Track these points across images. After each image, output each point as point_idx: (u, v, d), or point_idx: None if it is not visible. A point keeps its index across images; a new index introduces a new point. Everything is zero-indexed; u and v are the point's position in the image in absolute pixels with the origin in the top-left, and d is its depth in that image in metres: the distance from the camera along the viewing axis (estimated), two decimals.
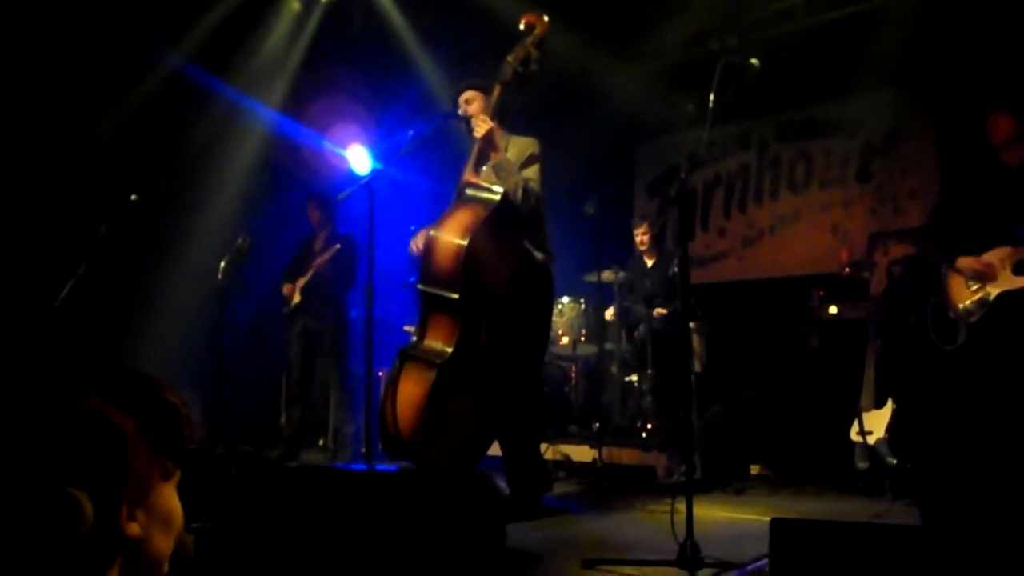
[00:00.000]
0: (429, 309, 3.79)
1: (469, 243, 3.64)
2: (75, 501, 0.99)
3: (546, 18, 3.89)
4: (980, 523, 3.08)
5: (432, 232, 3.78)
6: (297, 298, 5.97)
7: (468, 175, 3.92)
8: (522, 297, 3.86)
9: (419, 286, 3.80)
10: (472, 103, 4.01)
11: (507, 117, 3.99)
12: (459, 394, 3.64)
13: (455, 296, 3.64)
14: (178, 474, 1.15)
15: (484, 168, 3.97)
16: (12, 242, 5.49)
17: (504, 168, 3.85)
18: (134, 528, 1.05)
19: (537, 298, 4.03)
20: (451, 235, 3.71)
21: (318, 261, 5.88)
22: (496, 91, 3.90)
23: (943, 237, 4.19)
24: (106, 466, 1.03)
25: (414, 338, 3.81)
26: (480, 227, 3.68)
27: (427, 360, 3.64)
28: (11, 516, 1.00)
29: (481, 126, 3.85)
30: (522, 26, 3.92)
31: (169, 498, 1.12)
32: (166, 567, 1.12)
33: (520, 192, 3.79)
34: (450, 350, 3.63)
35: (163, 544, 1.09)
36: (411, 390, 3.62)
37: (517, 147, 3.97)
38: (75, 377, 1.10)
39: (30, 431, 1.04)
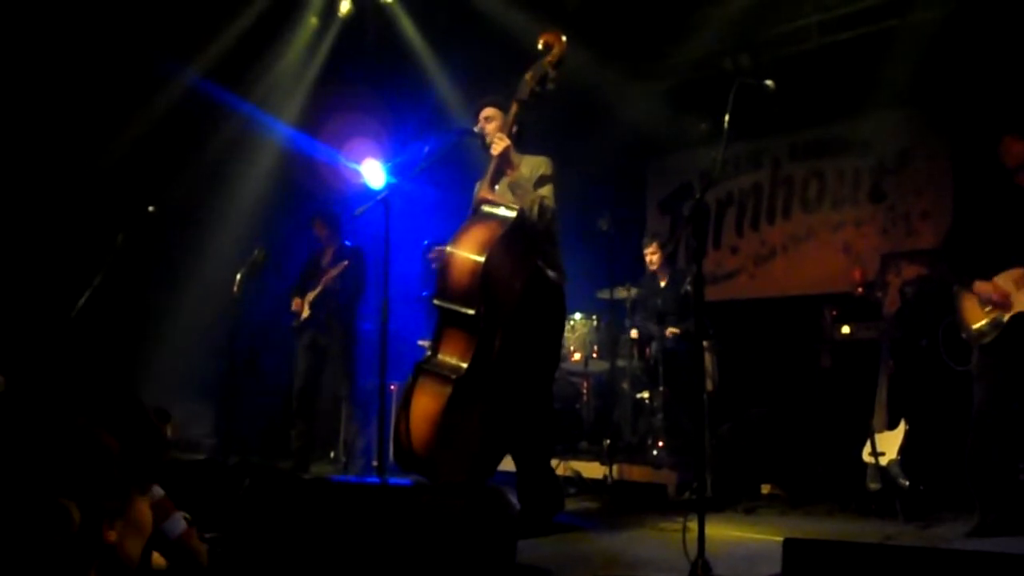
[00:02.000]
0: (445, 324, 3.81)
1: (486, 259, 3.66)
2: (65, 509, 1.14)
3: (564, 38, 3.93)
4: None
5: (448, 248, 3.80)
6: (306, 312, 6.00)
7: (484, 192, 3.94)
8: (534, 314, 3.88)
9: (435, 301, 3.83)
10: (492, 121, 4.03)
11: (522, 135, 4.01)
12: (472, 409, 3.65)
13: (471, 312, 3.66)
14: (153, 487, 1.32)
15: (499, 186, 4.00)
16: (30, 252, 5.55)
17: (520, 186, 3.88)
18: (112, 535, 1.19)
19: (549, 315, 4.04)
20: (468, 251, 3.74)
21: (327, 276, 5.91)
22: (513, 109, 3.94)
23: (957, 259, 4.17)
24: (92, 480, 1.18)
25: (429, 353, 3.82)
26: (496, 244, 3.71)
27: (443, 375, 3.66)
28: (7, 521, 1.12)
29: (498, 144, 3.88)
30: (540, 45, 3.96)
31: (143, 510, 1.27)
32: (134, 569, 1.27)
33: (536, 209, 3.81)
34: (465, 365, 3.65)
35: (135, 550, 1.24)
36: (426, 404, 3.63)
37: (530, 166, 3.99)
38: (69, 397, 1.27)
39: (27, 447, 1.17)
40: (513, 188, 3.91)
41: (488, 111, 4.07)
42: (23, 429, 1.19)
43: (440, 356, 3.77)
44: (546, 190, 3.91)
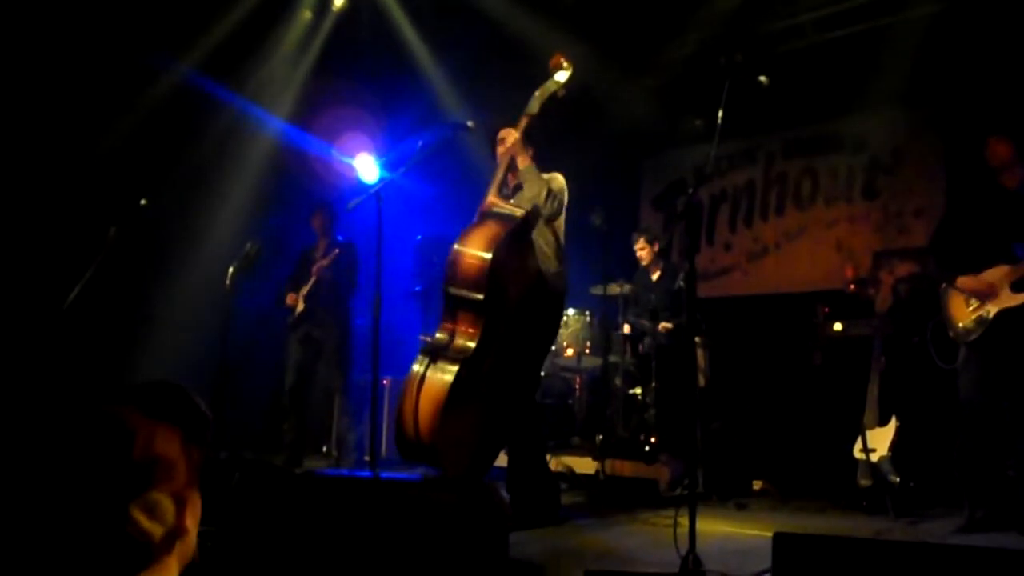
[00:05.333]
0: (453, 309, 3.88)
1: (493, 255, 3.76)
2: (158, 502, 1.20)
3: (571, 62, 4.14)
4: None
5: (456, 246, 3.88)
6: (300, 306, 6.00)
7: (492, 199, 4.04)
8: (534, 314, 3.96)
9: (446, 287, 3.89)
10: (508, 137, 4.16)
11: (536, 151, 4.13)
12: (473, 400, 3.69)
13: (480, 297, 3.75)
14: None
15: (514, 199, 4.11)
16: (21, 245, 5.52)
17: (531, 172, 4.02)
18: (189, 521, 1.24)
19: (547, 316, 4.12)
20: (475, 248, 3.83)
21: (317, 267, 5.92)
22: (523, 123, 4.09)
23: (943, 256, 4.21)
24: (170, 473, 1.23)
25: (437, 335, 3.85)
26: (502, 241, 3.80)
27: (449, 356, 3.72)
28: (104, 521, 1.16)
29: (508, 138, 4.07)
30: (551, 66, 4.14)
31: (198, 497, 1.30)
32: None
33: (544, 193, 3.95)
34: (473, 345, 3.72)
35: (195, 535, 1.28)
36: (432, 387, 3.67)
37: (536, 172, 4.07)
38: (114, 392, 1.27)
39: (103, 450, 1.21)
40: (523, 176, 4.04)
41: (505, 131, 4.21)
42: (87, 433, 1.21)
43: (447, 338, 3.82)
44: (555, 186, 4.06)
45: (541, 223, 4.03)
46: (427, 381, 3.70)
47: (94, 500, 1.16)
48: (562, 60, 4.16)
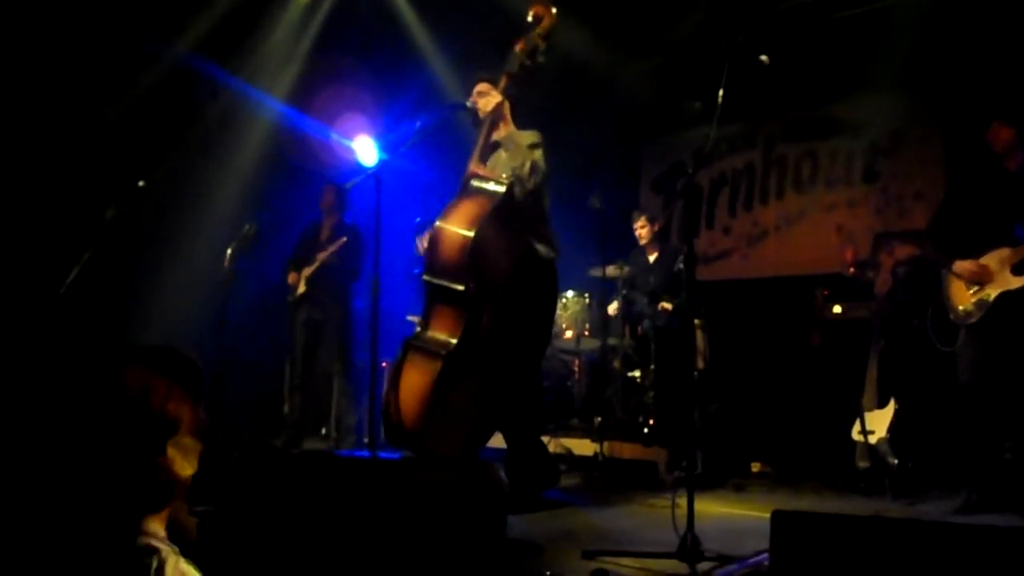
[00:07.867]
0: (434, 300, 3.80)
1: (475, 235, 3.64)
2: (189, 444, 1.32)
3: (554, 10, 3.93)
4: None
5: (438, 223, 3.78)
6: (302, 288, 5.97)
7: (474, 166, 3.93)
8: (525, 290, 3.88)
9: (425, 277, 3.81)
10: (484, 95, 4.03)
11: (514, 108, 4.00)
12: (462, 385, 3.65)
13: (461, 288, 3.65)
14: None
15: (489, 160, 3.99)
16: (19, 227, 5.50)
17: (513, 141, 3.90)
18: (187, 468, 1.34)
19: (540, 292, 4.04)
20: (457, 227, 3.72)
21: (323, 254, 5.87)
22: (503, 82, 3.95)
23: (942, 239, 4.19)
24: (187, 423, 1.34)
25: (419, 328, 3.81)
26: (486, 219, 3.69)
27: (432, 351, 3.65)
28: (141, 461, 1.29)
29: (490, 99, 3.92)
30: (530, 18, 3.96)
31: (195, 441, 1.39)
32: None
33: (528, 166, 3.82)
34: (455, 341, 3.65)
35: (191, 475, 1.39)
36: (415, 381, 3.63)
37: (521, 136, 3.98)
38: (125, 352, 1.38)
39: (137, 401, 1.31)
40: (506, 144, 3.92)
41: (482, 86, 4.07)
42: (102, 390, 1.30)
43: (429, 332, 3.76)
44: (537, 154, 3.91)
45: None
46: (409, 376, 3.65)
47: (132, 442, 1.26)
48: (544, 9, 3.90)
